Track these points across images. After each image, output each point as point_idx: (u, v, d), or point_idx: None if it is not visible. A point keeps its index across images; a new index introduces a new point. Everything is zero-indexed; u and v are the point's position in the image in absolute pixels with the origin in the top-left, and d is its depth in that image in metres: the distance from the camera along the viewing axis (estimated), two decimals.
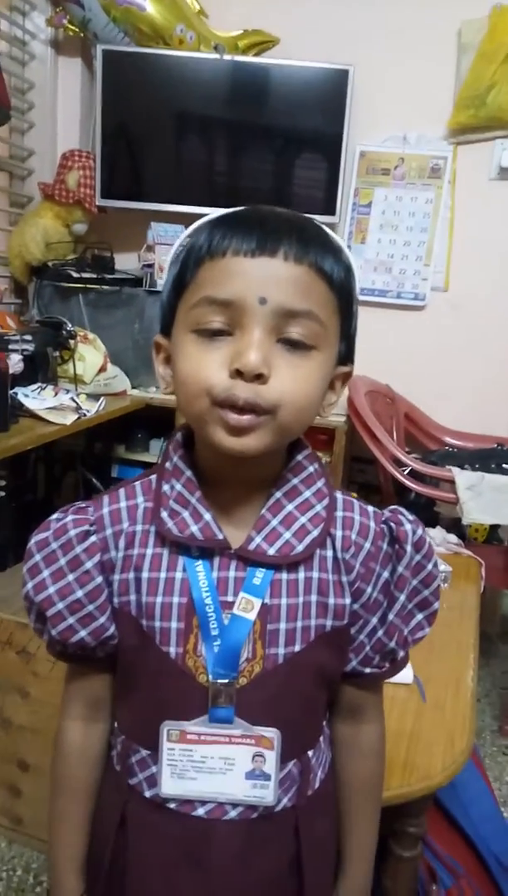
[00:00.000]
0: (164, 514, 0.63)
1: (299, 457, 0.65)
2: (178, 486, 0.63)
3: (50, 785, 0.73)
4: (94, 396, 2.05)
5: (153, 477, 0.66)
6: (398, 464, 2.13)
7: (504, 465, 2.13)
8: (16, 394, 1.81)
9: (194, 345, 0.57)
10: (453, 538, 1.88)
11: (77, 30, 2.39)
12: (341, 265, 0.58)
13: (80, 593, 0.63)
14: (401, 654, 0.69)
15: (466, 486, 2.00)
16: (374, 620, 0.66)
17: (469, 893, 1.24)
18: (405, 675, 1.17)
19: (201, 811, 0.64)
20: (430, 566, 0.68)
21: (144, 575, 0.63)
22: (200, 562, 0.62)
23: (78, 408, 1.91)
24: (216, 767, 0.63)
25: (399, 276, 2.55)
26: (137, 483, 0.67)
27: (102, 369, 2.21)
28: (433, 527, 1.92)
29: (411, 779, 0.96)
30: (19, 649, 1.36)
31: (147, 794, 0.65)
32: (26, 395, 1.84)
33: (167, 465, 0.65)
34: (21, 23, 2.46)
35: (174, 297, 0.60)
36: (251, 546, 0.62)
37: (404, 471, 2.12)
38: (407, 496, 2.16)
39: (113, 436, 2.47)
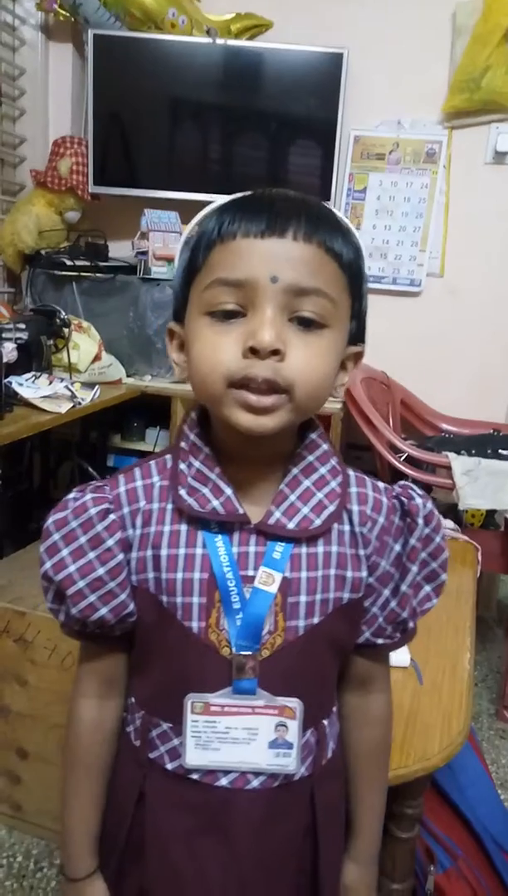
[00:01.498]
0: (182, 492, 0.63)
1: (313, 435, 0.67)
2: (196, 464, 0.64)
3: (63, 762, 0.73)
4: (88, 385, 2.04)
5: (168, 456, 0.67)
6: (395, 450, 2.13)
7: (500, 451, 2.13)
8: (10, 382, 1.80)
9: (208, 327, 0.57)
10: (449, 524, 1.89)
11: (68, 14, 2.36)
12: (350, 246, 0.59)
13: (101, 571, 0.63)
14: (411, 624, 0.71)
15: (462, 471, 2.00)
16: (386, 592, 0.68)
17: (467, 874, 1.25)
18: (402, 658, 1.17)
19: (223, 781, 0.65)
20: (438, 539, 0.69)
21: (163, 552, 0.63)
22: (219, 537, 0.63)
23: (73, 396, 1.91)
24: (240, 738, 0.64)
25: (395, 261, 2.54)
26: (152, 462, 0.68)
27: (97, 358, 2.20)
28: None
29: (408, 760, 0.96)
30: (17, 637, 1.36)
31: (169, 766, 0.66)
32: (20, 384, 1.83)
33: (183, 444, 0.66)
34: (11, 7, 2.43)
35: (186, 283, 0.61)
36: (271, 520, 0.63)
37: (400, 457, 2.12)
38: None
39: (108, 425, 2.46)
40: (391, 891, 1.07)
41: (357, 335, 0.63)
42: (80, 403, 1.91)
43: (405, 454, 2.11)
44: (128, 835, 0.70)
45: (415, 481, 2.09)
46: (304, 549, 0.64)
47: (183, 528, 0.64)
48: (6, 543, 2.02)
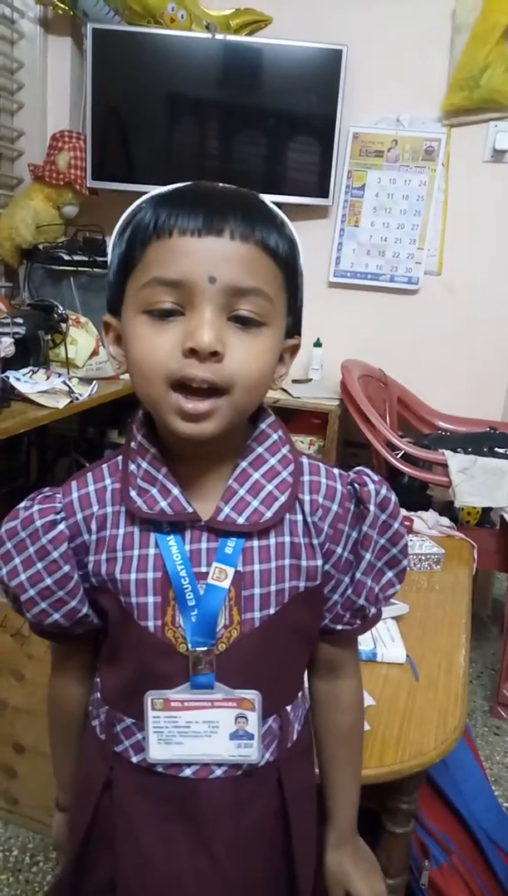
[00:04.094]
0: (133, 493, 0.63)
1: (263, 425, 0.67)
2: (144, 464, 0.64)
3: (47, 726, 0.81)
4: (86, 380, 2.03)
5: (119, 458, 0.67)
6: (392, 448, 2.14)
7: (496, 449, 2.14)
8: (7, 377, 1.80)
9: (146, 326, 0.57)
10: (445, 521, 1.89)
11: (66, 8, 2.35)
12: (285, 240, 0.59)
13: (49, 581, 0.65)
14: (372, 610, 0.71)
15: (458, 469, 2.00)
16: (346, 580, 0.69)
17: (461, 869, 1.25)
18: (398, 654, 1.18)
19: (187, 772, 0.66)
20: (396, 525, 0.69)
21: (119, 554, 0.64)
22: (171, 536, 0.63)
23: (70, 391, 1.90)
24: (201, 731, 0.65)
25: (393, 259, 2.54)
26: (104, 465, 0.68)
27: (95, 353, 2.19)
28: (426, 510, 1.92)
29: (404, 756, 0.97)
30: (14, 632, 1.36)
31: (134, 759, 0.68)
32: (18, 379, 1.82)
33: (132, 444, 0.66)
34: (9, 1, 2.42)
35: (122, 277, 0.60)
36: (221, 517, 0.63)
37: (397, 454, 2.12)
38: (400, 480, 2.17)
39: (106, 420, 2.46)
40: (386, 886, 1.07)
41: (294, 328, 0.64)
42: (77, 399, 1.90)
43: (402, 452, 2.12)
44: (95, 824, 0.71)
45: (411, 479, 2.12)
46: (256, 542, 0.64)
47: (136, 529, 0.64)
48: None
